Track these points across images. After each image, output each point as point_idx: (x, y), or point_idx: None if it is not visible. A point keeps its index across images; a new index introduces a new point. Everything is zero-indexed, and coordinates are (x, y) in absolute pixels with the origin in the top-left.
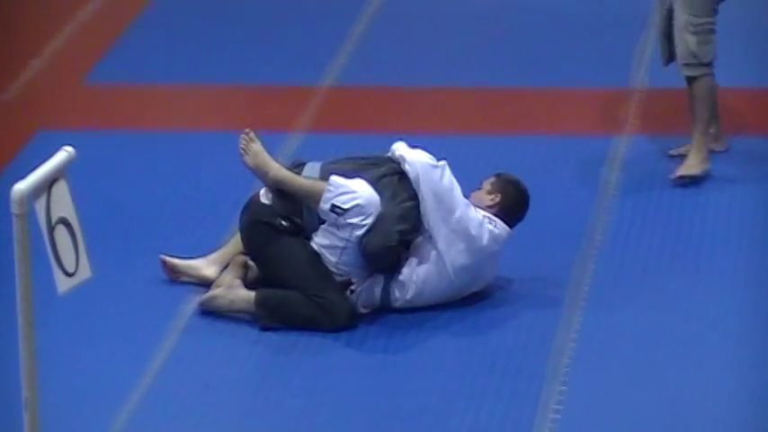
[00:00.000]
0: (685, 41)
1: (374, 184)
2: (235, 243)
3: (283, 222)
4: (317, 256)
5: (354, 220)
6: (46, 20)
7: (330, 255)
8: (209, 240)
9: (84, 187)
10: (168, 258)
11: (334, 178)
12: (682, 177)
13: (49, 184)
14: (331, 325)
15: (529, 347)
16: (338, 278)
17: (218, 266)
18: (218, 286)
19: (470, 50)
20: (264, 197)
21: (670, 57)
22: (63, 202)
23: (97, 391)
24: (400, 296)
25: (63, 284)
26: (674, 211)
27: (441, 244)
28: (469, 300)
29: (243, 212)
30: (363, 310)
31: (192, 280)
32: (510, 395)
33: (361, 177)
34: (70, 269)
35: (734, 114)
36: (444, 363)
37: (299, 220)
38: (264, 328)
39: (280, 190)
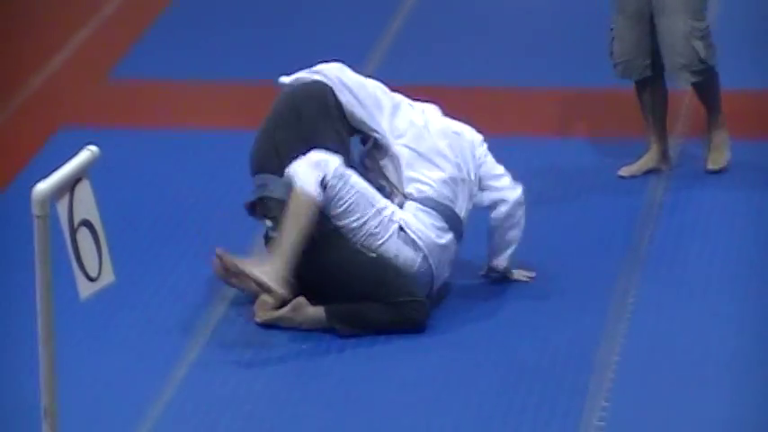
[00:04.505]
0: (693, 49)
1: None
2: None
3: None
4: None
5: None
6: (69, 14)
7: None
8: (237, 242)
9: (106, 187)
10: (228, 257)
11: (290, 171)
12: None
13: (71, 184)
14: (413, 322)
15: (570, 361)
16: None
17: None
18: (266, 301)
19: (511, 49)
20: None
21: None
22: (86, 203)
23: (118, 401)
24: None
25: (85, 289)
26: (725, 219)
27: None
28: (507, 309)
29: (326, 251)
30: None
31: (242, 287)
32: (551, 412)
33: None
34: (93, 273)
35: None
36: (481, 378)
37: None
38: (344, 337)
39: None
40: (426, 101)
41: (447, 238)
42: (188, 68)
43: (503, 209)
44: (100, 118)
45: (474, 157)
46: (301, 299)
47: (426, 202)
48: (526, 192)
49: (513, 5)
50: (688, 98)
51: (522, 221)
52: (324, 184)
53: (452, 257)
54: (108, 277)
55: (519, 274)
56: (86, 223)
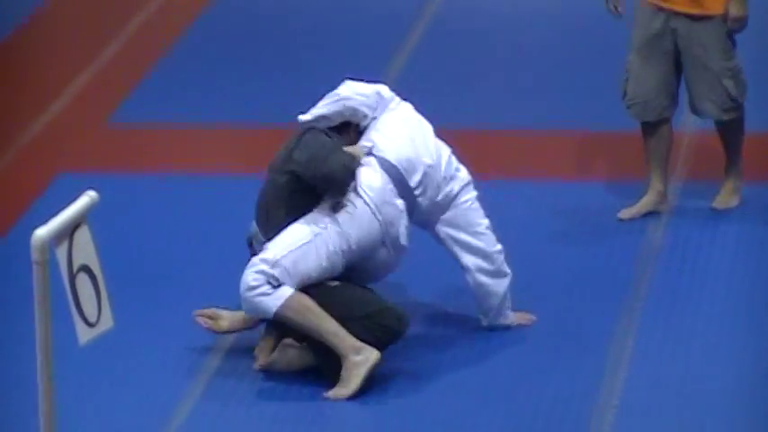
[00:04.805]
0: (725, 88)
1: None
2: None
3: None
4: (346, 283)
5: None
6: (68, 60)
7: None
8: (235, 286)
9: (105, 232)
10: (205, 311)
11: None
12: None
13: (70, 230)
14: (396, 335)
15: (571, 404)
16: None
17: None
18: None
19: (511, 91)
20: None
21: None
22: (85, 248)
23: None
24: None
25: (84, 335)
26: (725, 261)
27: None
28: (507, 352)
29: None
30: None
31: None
32: None
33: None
34: (92, 319)
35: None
36: (482, 421)
37: None
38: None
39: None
40: None
41: (396, 200)
42: (187, 113)
43: (469, 279)
44: (100, 163)
45: (443, 159)
46: (287, 340)
47: (384, 162)
48: (527, 233)
49: (513, 49)
50: (688, 139)
51: (500, 288)
52: (278, 282)
53: (407, 224)
54: (107, 323)
55: (518, 318)
56: (85, 269)
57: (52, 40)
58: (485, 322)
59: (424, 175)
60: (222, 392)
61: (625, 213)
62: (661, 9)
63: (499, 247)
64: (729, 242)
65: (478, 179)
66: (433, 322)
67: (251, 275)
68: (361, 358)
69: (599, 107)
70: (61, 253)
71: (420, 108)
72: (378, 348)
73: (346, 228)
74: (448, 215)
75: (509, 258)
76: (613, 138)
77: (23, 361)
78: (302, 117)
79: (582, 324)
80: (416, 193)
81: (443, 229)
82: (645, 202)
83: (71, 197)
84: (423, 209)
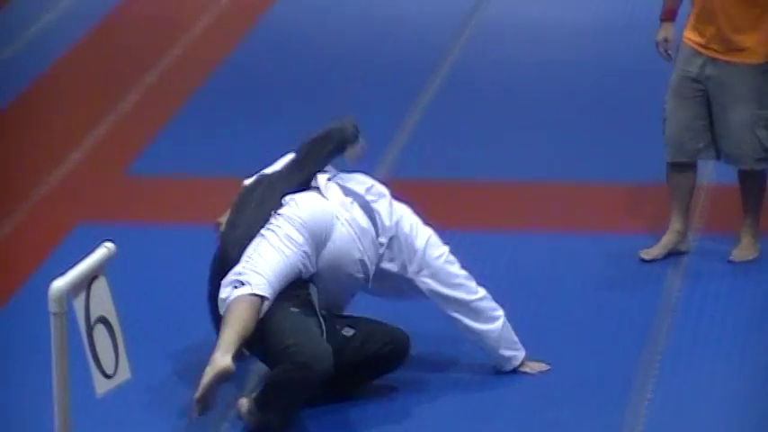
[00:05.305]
0: (757, 137)
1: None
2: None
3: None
4: (288, 312)
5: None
6: (86, 111)
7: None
8: None
9: (122, 282)
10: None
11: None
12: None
13: (88, 281)
14: (308, 372)
15: None
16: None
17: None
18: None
19: (525, 143)
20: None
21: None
22: (103, 300)
23: None
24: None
25: (101, 386)
26: (742, 316)
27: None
28: (524, 402)
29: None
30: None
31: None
32: None
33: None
34: (109, 370)
35: None
36: None
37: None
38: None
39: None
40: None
41: (345, 197)
42: (204, 164)
43: (459, 327)
44: (117, 214)
45: (405, 213)
46: (242, 401)
47: (359, 198)
48: (544, 285)
49: (530, 99)
50: (705, 191)
51: (492, 331)
52: (241, 284)
53: (359, 211)
54: (124, 374)
55: (533, 366)
56: (103, 320)
57: (71, 91)
58: (496, 365)
59: (380, 196)
60: None
61: (647, 254)
62: (699, 53)
63: (482, 293)
64: (747, 295)
65: (496, 231)
66: (440, 368)
67: (222, 292)
68: (209, 368)
69: (618, 159)
70: (79, 305)
71: (437, 159)
72: (294, 392)
73: (293, 211)
74: (425, 271)
75: (527, 308)
76: (631, 189)
77: (41, 409)
78: (246, 181)
79: (600, 375)
80: (369, 198)
81: (424, 283)
82: (665, 242)
83: (89, 247)
84: (384, 233)
